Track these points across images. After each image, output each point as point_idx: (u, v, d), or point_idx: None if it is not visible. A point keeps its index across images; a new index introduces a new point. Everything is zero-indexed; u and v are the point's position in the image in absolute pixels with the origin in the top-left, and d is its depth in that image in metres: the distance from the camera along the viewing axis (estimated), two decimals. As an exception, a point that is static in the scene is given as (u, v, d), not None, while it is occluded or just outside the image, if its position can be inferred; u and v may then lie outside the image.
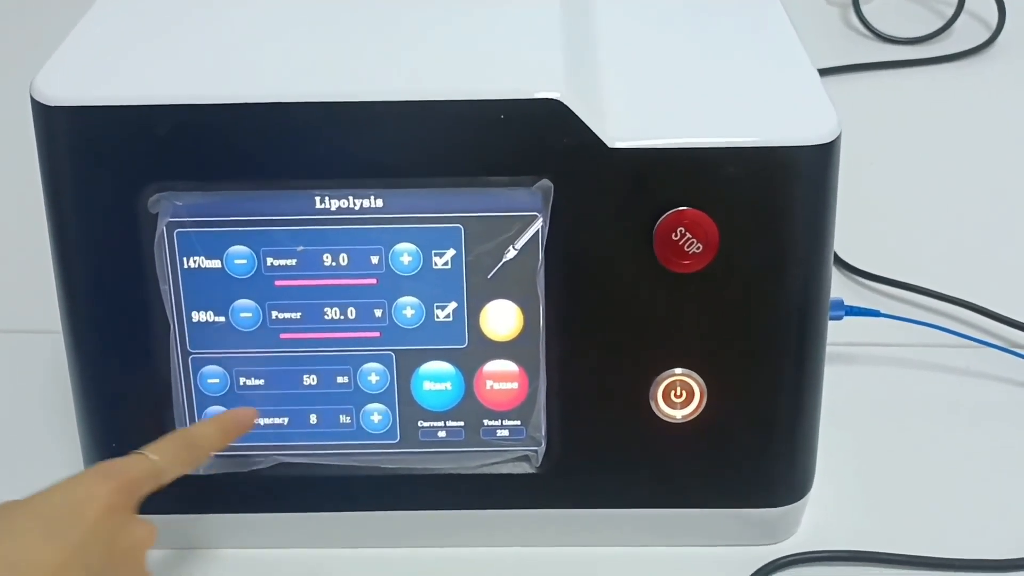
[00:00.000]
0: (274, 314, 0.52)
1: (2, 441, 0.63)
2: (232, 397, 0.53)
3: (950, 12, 1.03)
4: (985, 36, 1.02)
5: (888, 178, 0.85)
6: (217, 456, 0.53)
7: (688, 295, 0.50)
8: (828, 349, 0.54)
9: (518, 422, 0.53)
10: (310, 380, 0.53)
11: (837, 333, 0.59)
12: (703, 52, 0.55)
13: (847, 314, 0.63)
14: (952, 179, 0.85)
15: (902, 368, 0.67)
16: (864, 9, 1.05)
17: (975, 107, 0.95)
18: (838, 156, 0.50)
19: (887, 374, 0.67)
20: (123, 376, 0.52)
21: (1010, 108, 0.95)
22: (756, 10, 0.59)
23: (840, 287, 0.72)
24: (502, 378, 0.52)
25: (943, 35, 1.03)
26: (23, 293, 0.73)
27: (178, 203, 0.50)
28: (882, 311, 0.66)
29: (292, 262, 0.51)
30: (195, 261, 0.51)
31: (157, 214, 0.50)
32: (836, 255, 0.74)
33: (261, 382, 0.53)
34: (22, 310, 0.72)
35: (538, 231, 0.50)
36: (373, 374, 0.53)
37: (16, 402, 0.65)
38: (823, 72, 0.55)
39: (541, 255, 0.50)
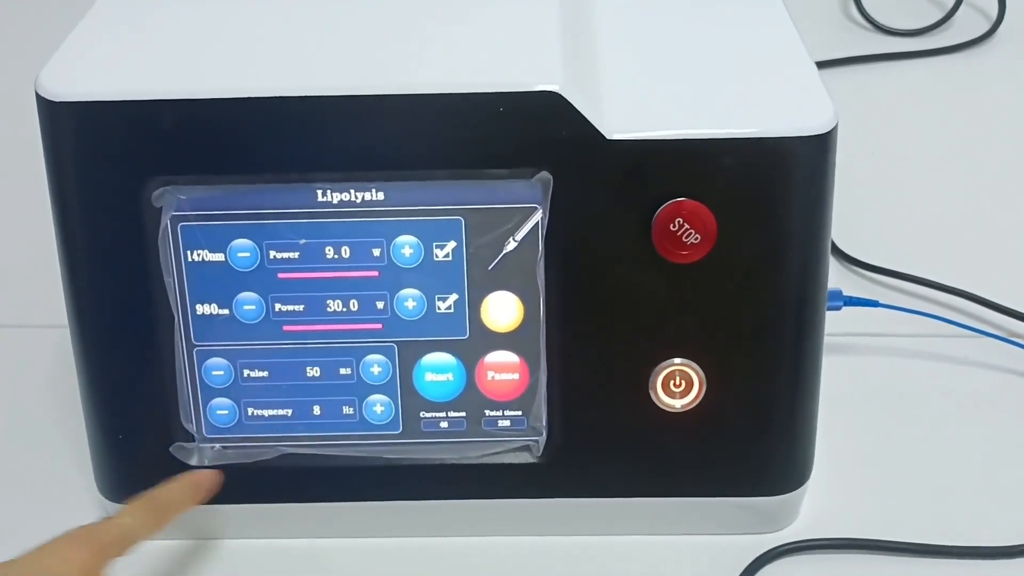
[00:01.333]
0: (277, 306, 0.52)
1: (8, 436, 0.63)
2: (236, 389, 0.53)
3: (950, 3, 1.03)
4: (985, 28, 1.02)
5: (888, 169, 0.85)
6: (223, 447, 0.54)
7: (686, 285, 0.51)
8: (827, 339, 0.54)
9: (519, 412, 0.54)
10: (313, 372, 0.53)
11: (836, 323, 0.59)
12: (700, 44, 0.55)
13: (846, 304, 0.64)
14: (951, 170, 0.86)
15: (901, 358, 0.68)
16: (864, 1, 1.05)
17: (975, 98, 0.95)
18: (835, 146, 0.50)
19: (886, 364, 0.67)
20: (129, 369, 0.53)
21: (1010, 99, 0.95)
22: (753, 2, 0.59)
23: (839, 278, 0.73)
24: (503, 369, 0.53)
25: (943, 27, 1.03)
26: (26, 288, 0.74)
27: (182, 197, 0.50)
28: (881, 301, 0.66)
29: (295, 255, 0.51)
30: (199, 254, 0.51)
31: (161, 208, 0.50)
32: (835, 246, 0.74)
33: (265, 374, 0.53)
34: (25, 305, 0.73)
35: (538, 223, 0.50)
36: (375, 365, 0.53)
37: (21, 397, 0.66)
38: (824, 64, 0.55)
39: (541, 246, 0.51)
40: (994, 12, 1.03)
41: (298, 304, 0.52)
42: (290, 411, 0.54)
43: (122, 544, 0.48)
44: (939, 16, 1.03)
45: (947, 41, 1.01)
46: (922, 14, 1.04)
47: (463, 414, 0.54)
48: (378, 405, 0.54)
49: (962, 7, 1.03)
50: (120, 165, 0.49)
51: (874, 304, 0.66)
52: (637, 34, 0.56)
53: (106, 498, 0.56)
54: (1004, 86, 0.97)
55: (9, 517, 0.58)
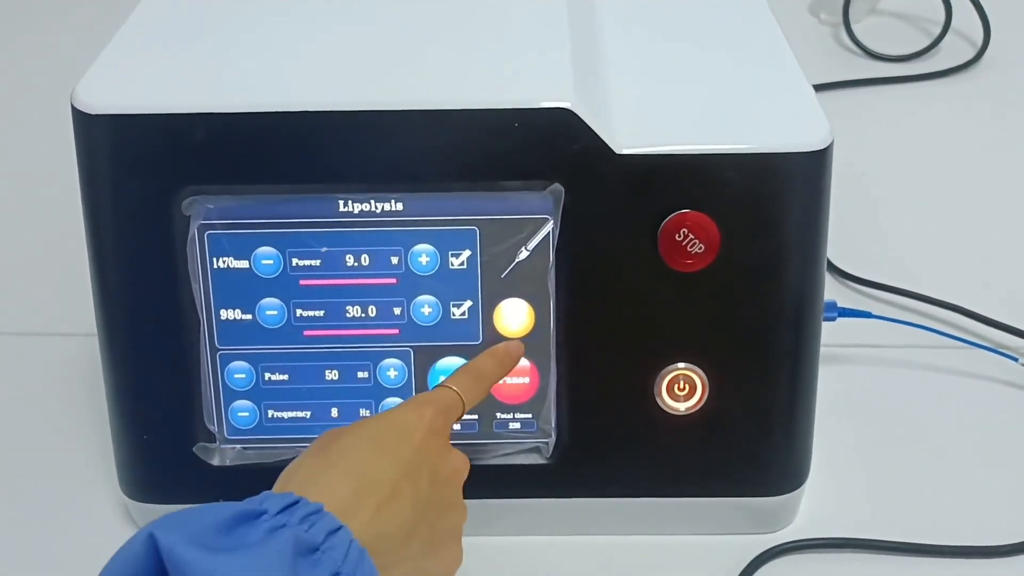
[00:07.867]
0: (298, 312, 0.54)
1: (33, 438, 0.65)
2: (258, 392, 0.55)
3: (937, 31, 1.06)
4: (971, 54, 1.06)
5: (879, 189, 0.88)
6: (243, 448, 0.56)
7: (691, 293, 0.53)
8: (823, 350, 0.56)
9: (529, 415, 0.56)
10: (332, 375, 0.55)
11: (831, 334, 0.62)
12: (703, 65, 0.58)
13: (840, 315, 0.66)
14: (939, 189, 0.88)
15: (893, 367, 0.70)
16: (855, 28, 1.08)
17: (961, 121, 0.98)
18: (830, 162, 0.53)
19: (879, 373, 0.70)
20: (154, 372, 0.55)
21: (994, 122, 0.98)
22: (753, 26, 0.62)
23: (834, 292, 0.75)
24: (514, 373, 0.55)
25: (930, 53, 1.06)
26: (45, 298, 0.76)
27: (209, 206, 0.52)
28: (873, 313, 0.69)
29: (316, 262, 0.53)
30: (224, 261, 0.53)
31: (190, 217, 0.52)
32: (830, 262, 0.77)
33: (285, 377, 0.55)
34: (46, 314, 0.74)
35: (549, 233, 0.53)
36: (392, 369, 0.55)
37: (44, 401, 0.68)
38: (817, 87, 0.58)
39: (552, 256, 0.53)
40: (979, 39, 1.06)
41: (319, 310, 0.54)
42: (309, 413, 0.56)
43: (458, 409, 0.50)
44: (927, 43, 1.06)
45: (935, 67, 1.04)
46: (910, 41, 1.07)
47: (475, 417, 0.56)
48: (394, 408, 0.56)
49: (948, 35, 1.06)
50: (152, 175, 0.52)
51: (867, 315, 0.68)
52: (644, 54, 0.59)
53: (129, 497, 0.58)
54: (988, 110, 1.00)
55: (35, 516, 0.60)
